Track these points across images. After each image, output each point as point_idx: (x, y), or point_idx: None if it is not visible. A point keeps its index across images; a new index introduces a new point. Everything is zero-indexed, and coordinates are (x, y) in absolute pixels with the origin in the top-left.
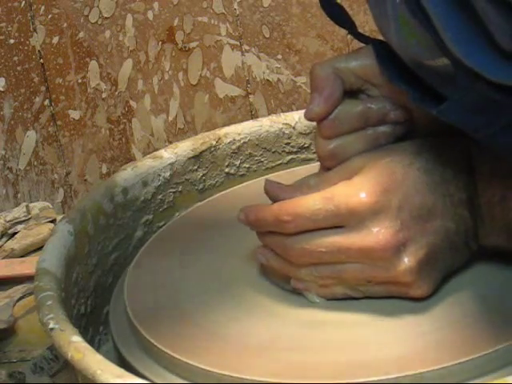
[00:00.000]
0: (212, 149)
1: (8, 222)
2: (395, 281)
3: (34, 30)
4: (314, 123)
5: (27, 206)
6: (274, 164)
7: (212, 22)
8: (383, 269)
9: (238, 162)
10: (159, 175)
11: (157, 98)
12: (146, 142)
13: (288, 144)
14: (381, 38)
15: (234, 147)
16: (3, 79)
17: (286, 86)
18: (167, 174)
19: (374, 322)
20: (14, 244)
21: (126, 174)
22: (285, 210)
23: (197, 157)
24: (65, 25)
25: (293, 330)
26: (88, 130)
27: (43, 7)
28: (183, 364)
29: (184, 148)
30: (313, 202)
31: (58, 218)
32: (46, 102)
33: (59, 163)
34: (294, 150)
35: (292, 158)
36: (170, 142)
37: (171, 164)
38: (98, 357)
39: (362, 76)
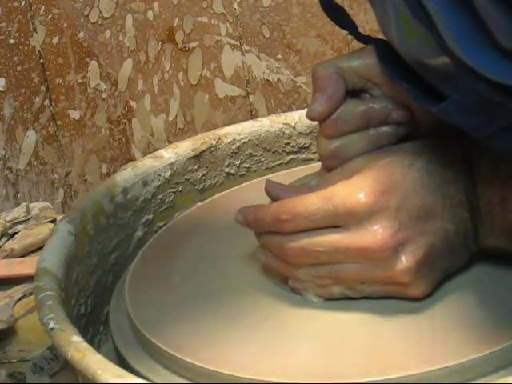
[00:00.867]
0: (212, 149)
1: (8, 222)
2: (393, 281)
3: (34, 29)
4: (314, 123)
5: (27, 206)
6: (274, 164)
7: (212, 22)
8: (381, 269)
9: (238, 162)
10: (159, 175)
11: (157, 98)
12: (146, 142)
13: (288, 144)
14: (382, 37)
15: (234, 147)
16: (3, 79)
17: (285, 86)
18: (167, 173)
19: (373, 322)
20: (13, 244)
21: (126, 174)
22: (283, 210)
23: (197, 157)
24: (65, 25)
25: (293, 329)
26: (88, 130)
27: (43, 7)
28: (183, 363)
29: (184, 148)
30: (311, 202)
31: (58, 218)
32: (46, 102)
33: (59, 163)
34: (294, 150)
35: (292, 158)
36: (170, 142)
37: (171, 164)
38: (98, 357)
39: (365, 75)
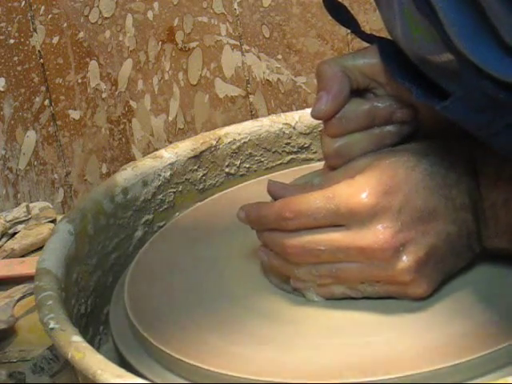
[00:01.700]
0: (212, 149)
1: (8, 222)
2: (394, 280)
3: (34, 29)
4: (315, 123)
5: (27, 206)
6: (274, 164)
7: (212, 22)
8: (382, 268)
9: (238, 162)
10: (159, 175)
11: (157, 97)
12: (146, 142)
13: (288, 144)
14: (384, 36)
15: (234, 147)
16: (3, 79)
17: (285, 86)
18: (167, 173)
19: (373, 322)
20: (14, 244)
21: (126, 174)
22: (287, 208)
23: (197, 157)
24: (65, 25)
25: (293, 330)
26: (88, 130)
27: (43, 7)
28: (183, 364)
29: (184, 148)
30: (314, 200)
31: (58, 218)
32: (46, 102)
33: (59, 163)
34: (294, 150)
35: (292, 158)
36: (170, 142)
37: (171, 164)
38: (99, 357)
39: (369, 74)
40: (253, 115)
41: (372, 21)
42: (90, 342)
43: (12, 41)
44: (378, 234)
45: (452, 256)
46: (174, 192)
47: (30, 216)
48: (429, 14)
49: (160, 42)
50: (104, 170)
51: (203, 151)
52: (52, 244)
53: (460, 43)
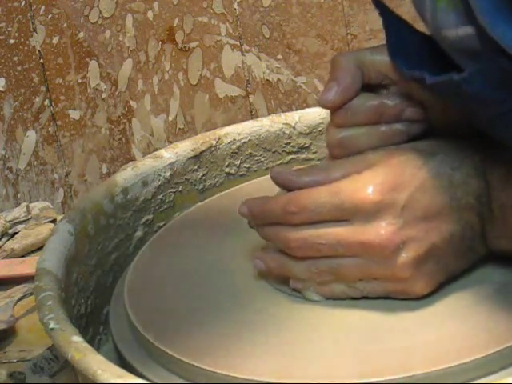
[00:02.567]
0: (212, 149)
1: (8, 221)
2: (392, 277)
3: (34, 29)
4: (315, 123)
5: (27, 206)
6: (274, 164)
7: (212, 22)
8: (381, 264)
9: (238, 162)
10: (159, 175)
11: (157, 98)
12: (146, 142)
13: (288, 144)
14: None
15: (234, 147)
16: (3, 79)
17: (285, 86)
18: (167, 173)
19: (373, 322)
20: (14, 244)
21: (126, 174)
22: (293, 202)
23: (197, 157)
24: (65, 25)
25: (293, 330)
26: (88, 130)
27: (43, 7)
28: (183, 364)
29: (184, 148)
30: (319, 195)
31: (58, 218)
32: (46, 102)
33: (59, 163)
34: (294, 150)
35: (292, 158)
36: (170, 142)
37: (171, 164)
38: (99, 357)
39: (385, 71)
40: (253, 115)
41: (372, 21)
42: (90, 342)
43: (12, 41)
44: (379, 230)
45: (454, 256)
46: (174, 192)
47: (30, 216)
48: None
49: (160, 42)
50: (104, 170)
51: (203, 151)
52: (52, 244)
53: (481, 17)
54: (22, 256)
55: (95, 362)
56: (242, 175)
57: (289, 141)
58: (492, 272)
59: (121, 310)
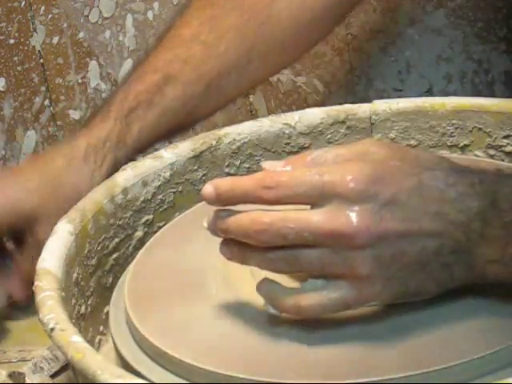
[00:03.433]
0: (212, 149)
1: None
2: (350, 272)
3: (34, 29)
4: (315, 123)
5: None
6: None
7: None
8: (343, 257)
9: (238, 162)
10: (159, 175)
11: None
12: None
13: (288, 144)
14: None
15: (234, 147)
16: (3, 79)
17: (285, 86)
18: (167, 173)
19: (373, 322)
20: None
21: (126, 174)
22: (271, 177)
23: (197, 157)
24: (65, 25)
25: (293, 330)
26: None
27: (43, 7)
28: (183, 364)
29: (184, 148)
30: (301, 174)
31: None
32: (46, 102)
33: None
34: (294, 150)
35: None
36: (170, 142)
37: (171, 164)
38: (98, 357)
39: None
40: (253, 115)
41: (372, 21)
42: (90, 342)
43: (12, 41)
44: (354, 220)
45: (421, 272)
46: (174, 192)
47: None
48: None
49: None
50: None
51: (203, 151)
52: (52, 244)
53: None
54: None
55: (95, 362)
56: (242, 175)
57: (289, 141)
58: None
59: (121, 310)
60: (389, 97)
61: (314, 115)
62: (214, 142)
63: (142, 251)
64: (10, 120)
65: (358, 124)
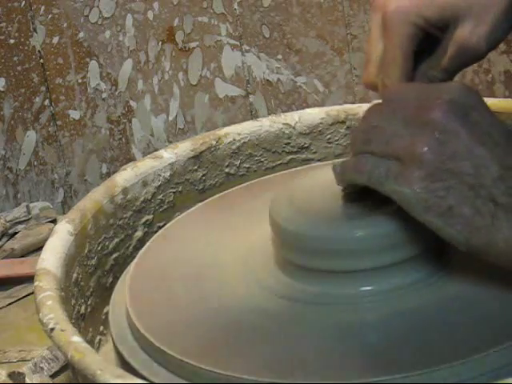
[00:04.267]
0: (212, 149)
1: (8, 222)
2: (408, 147)
3: (34, 29)
4: (315, 123)
5: (27, 206)
6: (273, 164)
7: (212, 22)
8: (410, 132)
9: (238, 162)
10: (159, 175)
11: (157, 97)
12: (146, 142)
13: (288, 144)
14: None
15: (234, 147)
16: (3, 79)
17: (285, 86)
18: (167, 174)
19: (373, 322)
20: (14, 244)
21: (126, 174)
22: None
23: (197, 157)
24: (65, 25)
25: (293, 330)
26: (88, 130)
27: (43, 7)
28: (183, 364)
29: (184, 148)
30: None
31: (58, 218)
32: (46, 102)
33: (59, 163)
34: (294, 150)
35: (292, 158)
36: (170, 142)
37: (171, 164)
38: (98, 357)
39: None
40: (253, 115)
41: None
42: (90, 342)
43: (12, 41)
44: (442, 106)
45: (467, 190)
46: (174, 192)
47: (30, 216)
48: None
49: (160, 42)
50: (104, 170)
51: (203, 151)
52: (52, 244)
53: None
54: (22, 256)
55: (95, 362)
56: (241, 175)
57: (289, 141)
58: (488, 272)
59: (121, 310)
60: None
61: (313, 115)
62: (214, 142)
63: (141, 251)
64: (10, 120)
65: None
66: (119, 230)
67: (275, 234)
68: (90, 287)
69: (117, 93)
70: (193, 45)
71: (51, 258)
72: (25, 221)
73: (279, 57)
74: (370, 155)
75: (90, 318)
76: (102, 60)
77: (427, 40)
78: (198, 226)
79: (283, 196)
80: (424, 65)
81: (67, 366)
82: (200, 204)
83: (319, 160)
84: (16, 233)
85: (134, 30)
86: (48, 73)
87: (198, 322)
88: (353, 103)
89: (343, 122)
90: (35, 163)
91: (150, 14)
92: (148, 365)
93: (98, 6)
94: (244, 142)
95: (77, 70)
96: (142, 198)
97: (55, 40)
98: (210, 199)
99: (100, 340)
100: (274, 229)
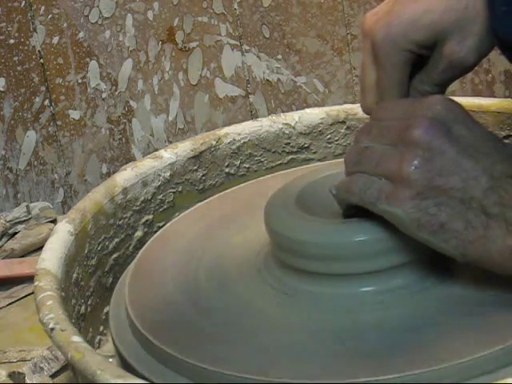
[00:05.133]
0: (212, 149)
1: (8, 222)
2: (397, 167)
3: (34, 29)
4: (314, 123)
5: (27, 206)
6: (273, 164)
7: (212, 22)
8: (399, 152)
9: (238, 162)
10: (159, 175)
11: (157, 98)
12: (146, 142)
13: (288, 144)
14: None
15: (234, 147)
16: (3, 79)
17: (285, 86)
18: (167, 174)
19: (372, 321)
20: (14, 244)
21: (126, 174)
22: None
23: (197, 157)
24: (65, 25)
25: (292, 330)
26: (88, 129)
27: (43, 7)
28: (184, 363)
29: (184, 148)
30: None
31: (58, 218)
32: (46, 102)
33: (59, 163)
34: (294, 150)
35: (292, 158)
36: (170, 142)
37: (171, 164)
38: (98, 357)
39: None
40: (253, 115)
41: None
42: (90, 342)
43: (12, 41)
44: (425, 125)
45: (458, 204)
46: (174, 192)
47: (30, 216)
48: None
49: (160, 42)
50: (104, 169)
51: (203, 151)
52: (52, 244)
53: None
54: (22, 256)
55: (95, 362)
56: (241, 175)
57: (288, 141)
58: (488, 271)
59: (121, 309)
60: None
61: (313, 115)
62: (214, 142)
63: (141, 251)
64: (10, 120)
65: (358, 124)
66: (119, 229)
67: (270, 238)
68: (90, 287)
69: (117, 93)
70: (193, 45)
71: (51, 258)
72: (25, 221)
73: (279, 57)
74: (362, 176)
75: (90, 317)
76: (102, 60)
77: (417, 56)
78: (198, 226)
79: (278, 199)
80: (415, 80)
81: (67, 365)
82: (200, 204)
83: (319, 160)
84: (16, 233)
85: (134, 30)
86: (48, 73)
87: (199, 322)
88: (353, 103)
89: (343, 122)
90: (35, 163)
91: (149, 14)
92: (148, 364)
93: (97, 6)
94: (244, 142)
95: (77, 70)
96: (142, 198)
97: (55, 40)
98: (210, 199)
99: (100, 340)
100: (269, 233)
